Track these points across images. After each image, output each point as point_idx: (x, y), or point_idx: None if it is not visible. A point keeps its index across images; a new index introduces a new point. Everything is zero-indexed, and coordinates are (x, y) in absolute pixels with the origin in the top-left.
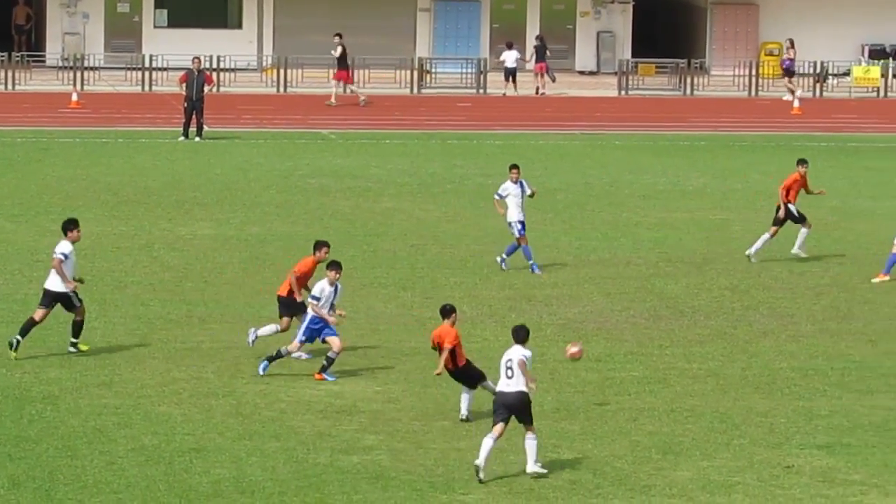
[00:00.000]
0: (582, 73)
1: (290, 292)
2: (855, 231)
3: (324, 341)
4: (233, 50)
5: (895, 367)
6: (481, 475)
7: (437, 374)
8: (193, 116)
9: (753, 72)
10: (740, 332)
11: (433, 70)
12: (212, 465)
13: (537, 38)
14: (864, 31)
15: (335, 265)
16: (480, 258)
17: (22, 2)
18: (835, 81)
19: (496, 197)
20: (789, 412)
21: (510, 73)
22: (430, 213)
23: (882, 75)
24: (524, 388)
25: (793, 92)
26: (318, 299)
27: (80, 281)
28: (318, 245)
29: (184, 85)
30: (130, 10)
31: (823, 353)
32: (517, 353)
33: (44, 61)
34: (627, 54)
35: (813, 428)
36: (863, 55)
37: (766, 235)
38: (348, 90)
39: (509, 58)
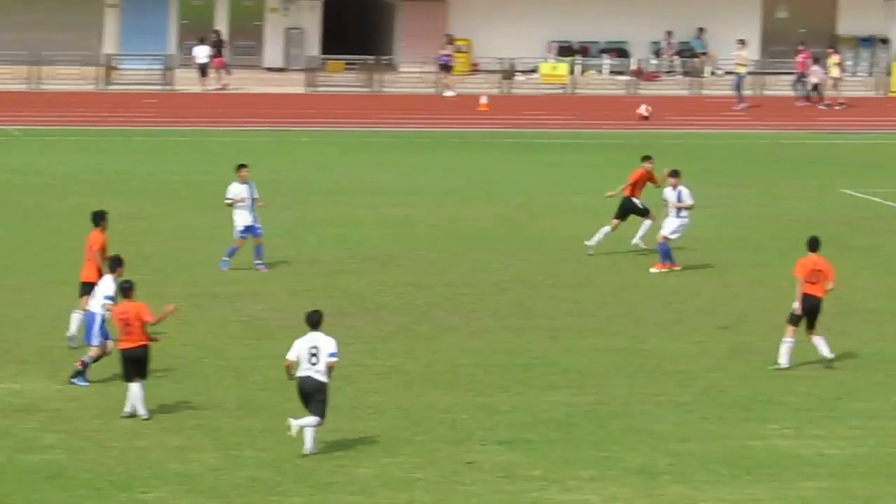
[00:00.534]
0: (270, 69)
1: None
2: (539, 227)
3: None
4: None
5: (576, 363)
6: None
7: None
8: None
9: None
10: (424, 328)
11: (120, 66)
12: None
13: (214, 32)
14: (552, 28)
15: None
16: (165, 255)
17: None
18: (522, 78)
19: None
20: (471, 408)
21: (202, 69)
22: (116, 209)
23: (569, 72)
24: (325, 379)
25: (449, 86)
26: (112, 299)
27: None
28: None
29: None
30: None
31: (506, 348)
32: (326, 345)
33: None
34: (316, 51)
35: (494, 424)
36: (550, 52)
37: (607, 228)
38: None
39: (200, 53)
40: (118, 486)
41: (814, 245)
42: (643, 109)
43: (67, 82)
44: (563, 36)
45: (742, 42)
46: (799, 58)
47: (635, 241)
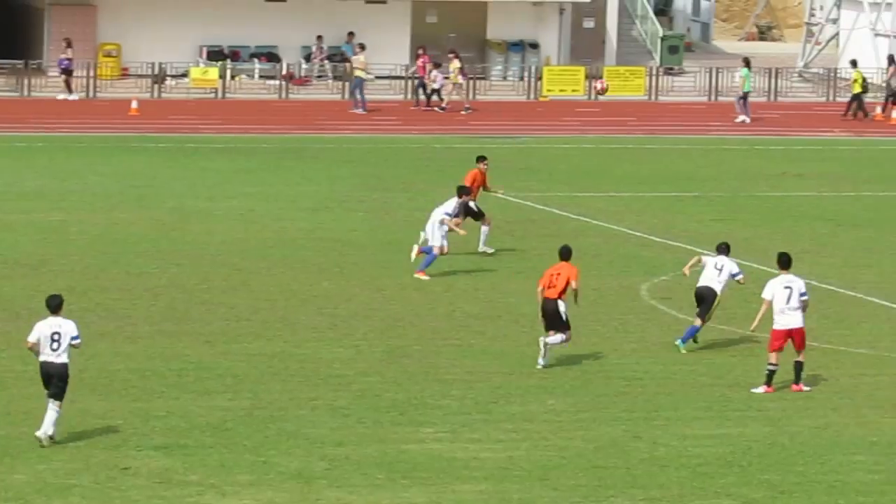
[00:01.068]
0: None
1: None
2: (192, 232)
3: None
4: None
5: (232, 368)
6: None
7: None
8: None
9: (91, 73)
10: None
11: None
12: None
13: None
14: (202, 33)
15: None
16: None
17: None
18: (173, 82)
19: None
20: (126, 413)
21: None
22: None
23: (220, 76)
24: (67, 361)
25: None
26: None
27: None
28: None
29: None
30: None
31: (161, 354)
32: (69, 328)
33: None
34: None
35: (150, 429)
36: (201, 56)
37: (485, 228)
38: None
39: None
40: None
41: (565, 254)
42: (599, 85)
43: None
44: (214, 40)
45: (362, 46)
46: (419, 62)
47: (481, 248)
